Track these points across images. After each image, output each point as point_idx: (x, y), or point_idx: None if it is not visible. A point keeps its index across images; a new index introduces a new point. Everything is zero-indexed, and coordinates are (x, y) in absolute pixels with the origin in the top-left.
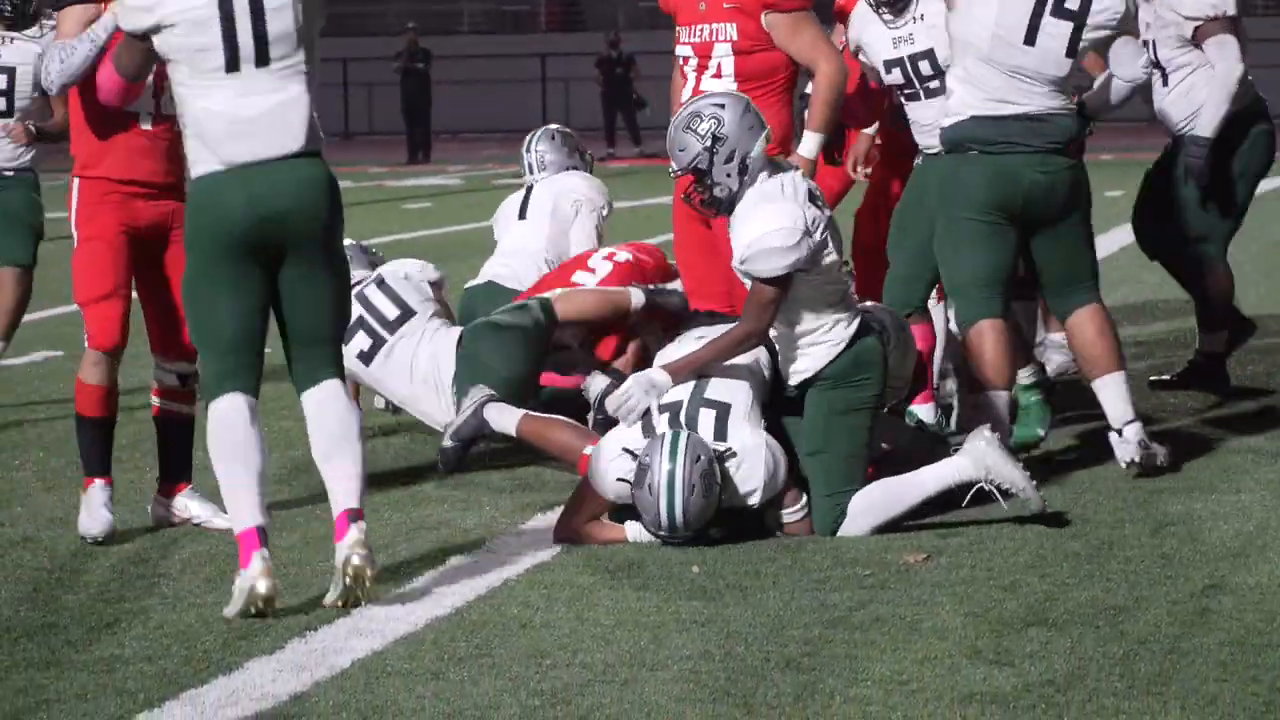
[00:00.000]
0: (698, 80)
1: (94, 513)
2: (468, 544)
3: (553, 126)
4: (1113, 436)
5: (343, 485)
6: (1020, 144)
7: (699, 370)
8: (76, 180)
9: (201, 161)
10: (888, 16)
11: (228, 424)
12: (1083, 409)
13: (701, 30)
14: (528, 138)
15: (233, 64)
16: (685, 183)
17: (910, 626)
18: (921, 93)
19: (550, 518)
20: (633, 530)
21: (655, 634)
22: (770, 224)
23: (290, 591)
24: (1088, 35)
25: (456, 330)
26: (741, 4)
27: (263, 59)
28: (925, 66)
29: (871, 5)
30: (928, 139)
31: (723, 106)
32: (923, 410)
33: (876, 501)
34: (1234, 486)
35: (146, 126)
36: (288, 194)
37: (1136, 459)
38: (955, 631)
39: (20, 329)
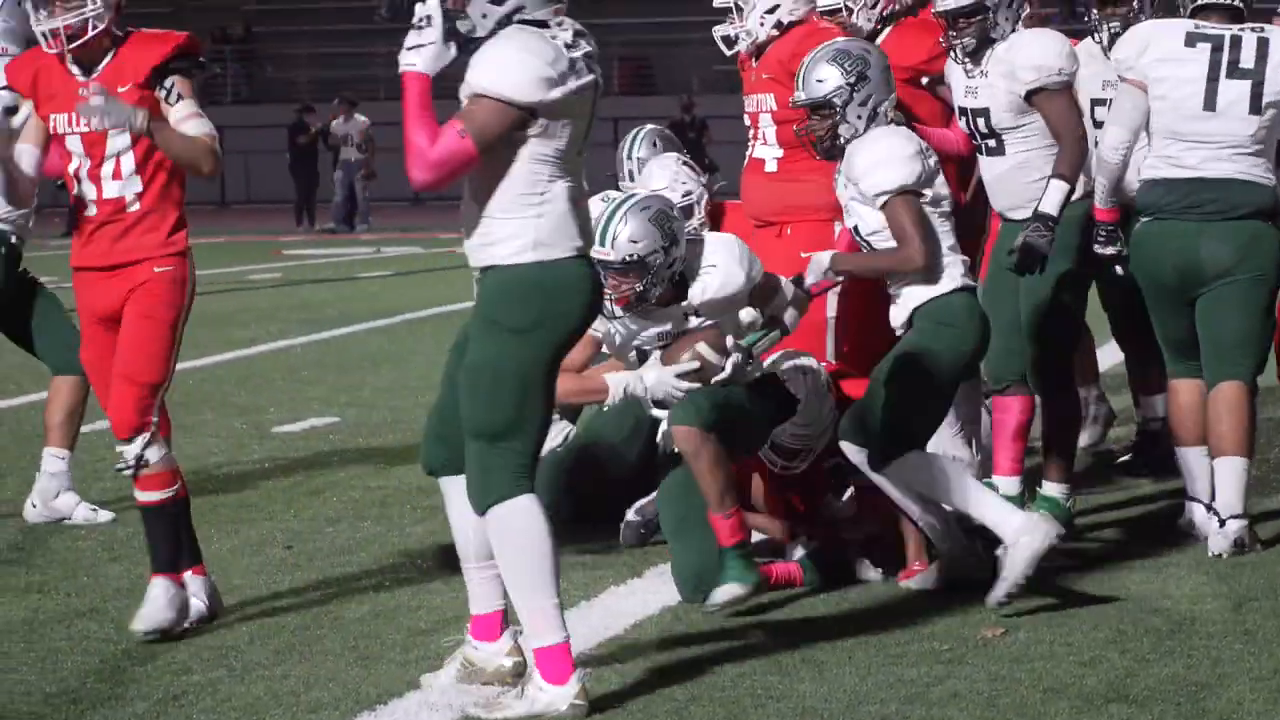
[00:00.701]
0: (752, 147)
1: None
2: None
3: (653, 129)
4: (1213, 521)
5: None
6: (1178, 207)
7: (849, 270)
8: None
9: (548, 245)
10: (968, 65)
11: (539, 530)
12: (1163, 480)
13: (753, 100)
14: (627, 140)
15: None
16: (800, 117)
17: (988, 702)
18: (983, 148)
19: (621, 591)
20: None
21: (730, 710)
22: (889, 141)
23: (360, 664)
24: (1270, 90)
25: None
26: (775, 74)
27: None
28: (982, 124)
29: (950, 54)
30: (995, 199)
31: (869, 52)
32: (1005, 482)
33: (935, 472)
34: None
35: (91, 213)
36: None
37: (1226, 554)
38: (1034, 708)
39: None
